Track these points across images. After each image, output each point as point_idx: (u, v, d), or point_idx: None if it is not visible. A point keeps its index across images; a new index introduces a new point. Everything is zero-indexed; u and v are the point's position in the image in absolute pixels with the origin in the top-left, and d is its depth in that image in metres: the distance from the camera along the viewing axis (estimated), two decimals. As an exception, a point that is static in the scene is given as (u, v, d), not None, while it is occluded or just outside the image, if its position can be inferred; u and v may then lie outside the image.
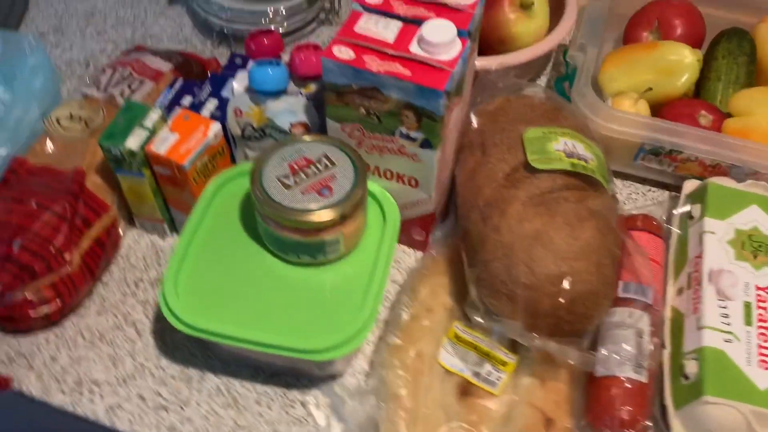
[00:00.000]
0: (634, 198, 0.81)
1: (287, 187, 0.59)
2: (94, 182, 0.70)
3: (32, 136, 0.73)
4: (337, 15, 0.99)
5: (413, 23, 0.61)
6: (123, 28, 0.98)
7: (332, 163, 0.61)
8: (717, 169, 0.74)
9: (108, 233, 0.70)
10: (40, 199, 0.66)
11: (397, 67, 0.57)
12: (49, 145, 0.72)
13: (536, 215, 0.62)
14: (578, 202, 0.64)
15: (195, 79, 0.82)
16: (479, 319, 0.62)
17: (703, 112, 0.77)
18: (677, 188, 0.80)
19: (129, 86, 0.77)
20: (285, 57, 0.73)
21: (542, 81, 0.92)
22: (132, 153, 0.65)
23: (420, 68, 0.57)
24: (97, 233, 0.69)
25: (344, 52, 0.58)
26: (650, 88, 0.77)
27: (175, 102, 0.74)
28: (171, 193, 0.70)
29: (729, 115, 0.78)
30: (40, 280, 0.64)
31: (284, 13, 0.92)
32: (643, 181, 0.82)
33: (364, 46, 0.59)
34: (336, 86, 0.60)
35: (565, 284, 0.59)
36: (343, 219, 0.59)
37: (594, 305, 0.61)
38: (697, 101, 0.79)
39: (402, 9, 0.62)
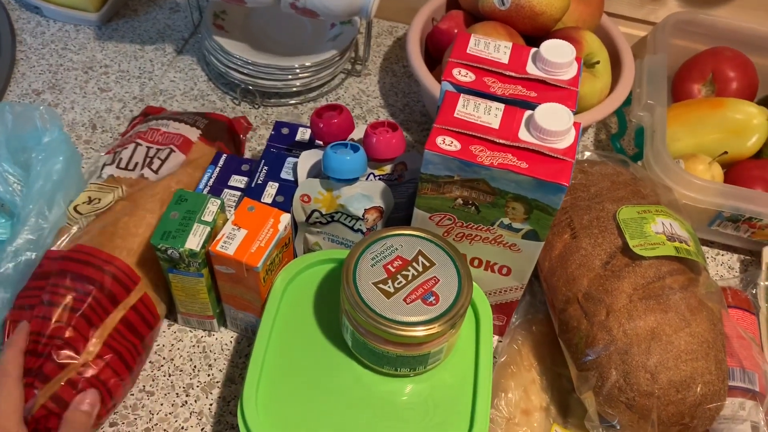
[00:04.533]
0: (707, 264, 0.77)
1: (388, 294, 0.52)
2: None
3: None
4: (365, 65, 0.92)
5: (514, 104, 0.55)
6: (129, 84, 0.89)
7: (430, 262, 0.54)
8: (797, 236, 0.72)
9: (139, 312, 0.61)
10: (51, 297, 0.58)
11: (511, 159, 0.51)
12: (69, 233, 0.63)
13: (647, 311, 0.57)
14: (684, 290, 0.59)
15: (224, 142, 0.74)
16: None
17: (775, 173, 0.75)
18: (747, 251, 0.78)
19: (158, 157, 0.68)
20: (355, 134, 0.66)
21: (587, 137, 0.88)
22: (193, 254, 0.56)
23: (535, 159, 0.52)
24: (125, 313, 0.60)
25: (449, 143, 0.52)
26: (726, 152, 0.74)
27: (222, 182, 0.66)
28: (228, 290, 0.61)
29: (802, 177, 0.75)
30: (54, 381, 0.56)
31: (312, 67, 0.85)
32: (711, 244, 0.78)
33: (470, 134, 0.52)
34: (435, 178, 0.54)
35: (698, 390, 0.54)
36: (452, 328, 0.52)
37: (717, 406, 0.56)
38: (767, 162, 0.76)
39: (498, 88, 0.56)
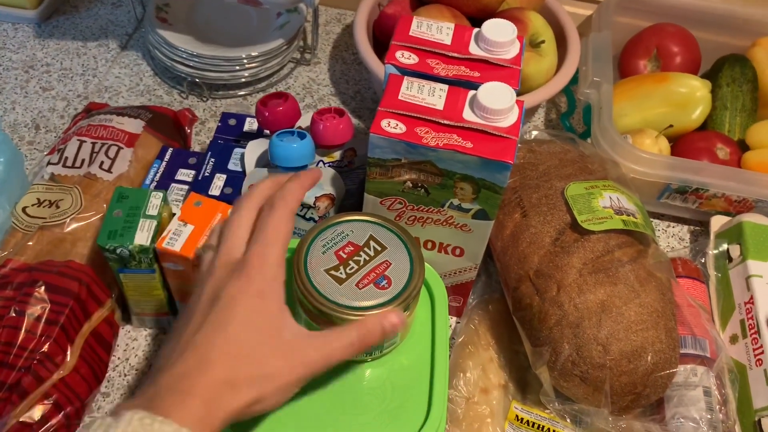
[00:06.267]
0: (657, 236, 0.78)
1: (340, 281, 0.52)
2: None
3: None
4: (314, 53, 0.92)
5: (458, 85, 0.55)
6: (72, 81, 0.86)
7: (382, 246, 0.54)
8: (743, 204, 0.73)
9: (109, 324, 0.61)
10: (20, 305, 0.56)
11: (456, 139, 0.51)
12: (21, 241, 0.61)
13: (597, 284, 0.58)
14: (633, 262, 0.60)
15: (170, 136, 0.73)
16: (557, 407, 0.57)
17: (719, 145, 0.76)
18: (697, 222, 0.79)
19: (107, 155, 0.67)
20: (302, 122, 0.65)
21: (538, 117, 0.89)
22: (144, 249, 0.55)
23: (480, 138, 0.52)
24: (96, 325, 0.60)
25: (394, 126, 0.52)
26: (671, 126, 0.75)
27: (169, 177, 0.65)
28: (180, 286, 0.61)
29: (745, 147, 0.77)
30: (33, 396, 0.54)
31: (260, 57, 0.84)
32: (661, 216, 0.80)
33: (415, 116, 0.52)
34: (383, 162, 0.54)
35: (648, 359, 0.55)
36: (406, 310, 0.52)
37: (669, 373, 0.58)
38: (712, 133, 0.78)
39: (442, 69, 0.56)
